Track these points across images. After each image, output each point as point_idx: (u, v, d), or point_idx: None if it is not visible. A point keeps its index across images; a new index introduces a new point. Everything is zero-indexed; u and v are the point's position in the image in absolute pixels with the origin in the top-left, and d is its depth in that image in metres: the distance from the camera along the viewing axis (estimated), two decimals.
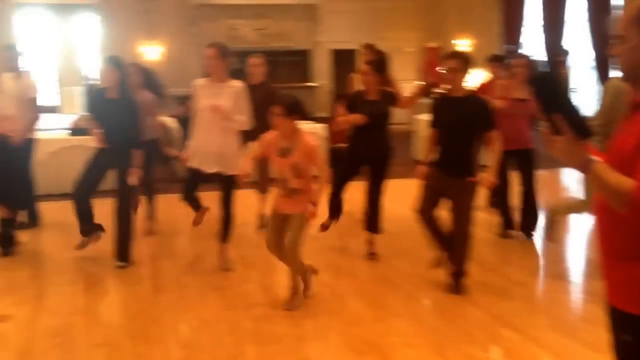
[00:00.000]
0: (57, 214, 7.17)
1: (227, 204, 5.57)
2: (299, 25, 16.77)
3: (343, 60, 15.90)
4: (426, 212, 5.03)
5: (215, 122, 5.36)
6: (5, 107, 6.02)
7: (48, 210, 7.34)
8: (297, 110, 4.59)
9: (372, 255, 5.99)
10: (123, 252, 5.78)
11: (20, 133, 6.19)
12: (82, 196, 5.66)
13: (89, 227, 5.84)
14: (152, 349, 4.20)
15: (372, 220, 5.93)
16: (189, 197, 5.76)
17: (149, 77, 6.81)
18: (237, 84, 5.49)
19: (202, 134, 5.48)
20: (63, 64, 17.82)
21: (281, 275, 5.14)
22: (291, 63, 16.72)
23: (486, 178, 4.99)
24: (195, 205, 5.85)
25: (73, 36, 18.04)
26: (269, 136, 4.72)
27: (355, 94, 5.91)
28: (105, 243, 5.93)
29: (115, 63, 5.61)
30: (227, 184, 5.54)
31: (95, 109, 5.73)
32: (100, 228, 5.93)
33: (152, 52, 15.51)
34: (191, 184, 5.70)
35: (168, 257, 6.18)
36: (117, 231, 5.75)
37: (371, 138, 5.70)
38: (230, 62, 5.54)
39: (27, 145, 6.59)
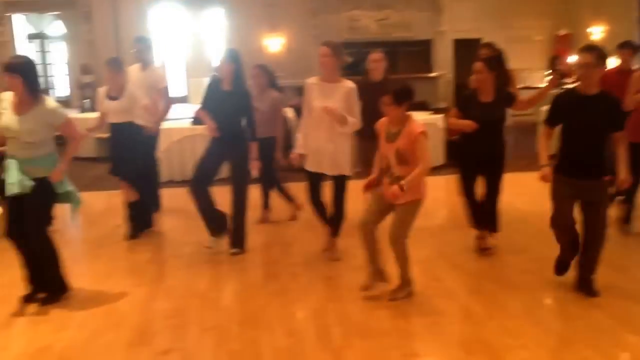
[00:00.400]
0: (178, 200, 7.41)
1: (339, 202, 5.57)
2: (421, 15, 16.46)
3: (466, 50, 15.44)
4: (564, 224, 4.71)
5: (325, 122, 5.32)
6: (138, 97, 6.24)
7: (170, 196, 7.61)
8: (406, 98, 4.45)
9: (486, 251, 5.75)
10: (238, 239, 5.89)
11: (153, 123, 6.41)
12: (199, 190, 5.76)
13: (214, 225, 5.93)
14: (259, 335, 4.24)
15: (490, 218, 5.70)
16: (315, 203, 5.70)
17: (273, 77, 6.92)
18: (349, 84, 5.39)
19: (313, 133, 5.46)
20: (191, 55, 18.53)
21: (391, 268, 5.01)
22: (412, 53, 16.45)
23: (622, 179, 4.61)
24: (322, 213, 5.74)
25: (202, 29, 18.74)
26: (382, 120, 4.63)
27: (468, 94, 5.59)
28: None
29: (231, 56, 5.69)
30: (338, 183, 5.52)
31: (210, 100, 5.81)
32: (224, 225, 5.97)
33: (274, 44, 15.79)
34: (313, 188, 5.65)
35: (280, 246, 6.24)
36: (233, 219, 5.87)
37: (484, 139, 5.40)
38: (343, 60, 5.46)
39: (154, 133, 6.82)
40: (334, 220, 5.66)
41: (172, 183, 8.63)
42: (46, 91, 16.72)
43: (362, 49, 7.34)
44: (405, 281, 4.76)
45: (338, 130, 5.35)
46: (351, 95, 5.36)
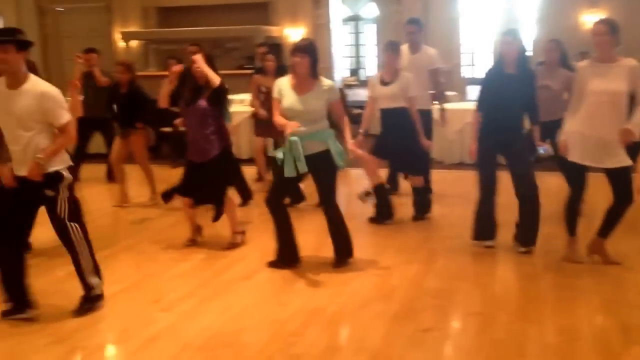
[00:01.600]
0: (466, 183, 7.20)
1: (625, 198, 4.89)
2: None
3: None
4: None
5: (604, 108, 4.72)
6: (411, 85, 6.21)
7: (458, 179, 7.51)
8: None
9: None
10: (528, 236, 5.43)
11: (416, 106, 6.32)
12: (488, 192, 5.47)
13: (480, 230, 5.58)
14: (525, 328, 4.01)
15: None
16: (575, 206, 5.10)
17: (565, 55, 6.39)
18: (630, 62, 4.74)
19: (587, 121, 4.82)
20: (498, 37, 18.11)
21: None
22: None
23: None
24: (574, 221, 5.15)
25: (512, 7, 18.18)
26: None
27: None
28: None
29: (514, 35, 5.32)
30: (623, 175, 4.86)
31: (490, 89, 5.44)
32: (488, 234, 5.57)
33: (594, 21, 14.64)
34: (579, 188, 5.08)
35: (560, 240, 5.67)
36: (523, 214, 5.43)
37: None
38: (620, 38, 4.78)
39: (426, 116, 6.68)
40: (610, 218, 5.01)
41: (462, 165, 8.53)
42: (356, 71, 17.68)
43: None
44: None
45: (620, 117, 4.71)
46: (636, 74, 4.71)
